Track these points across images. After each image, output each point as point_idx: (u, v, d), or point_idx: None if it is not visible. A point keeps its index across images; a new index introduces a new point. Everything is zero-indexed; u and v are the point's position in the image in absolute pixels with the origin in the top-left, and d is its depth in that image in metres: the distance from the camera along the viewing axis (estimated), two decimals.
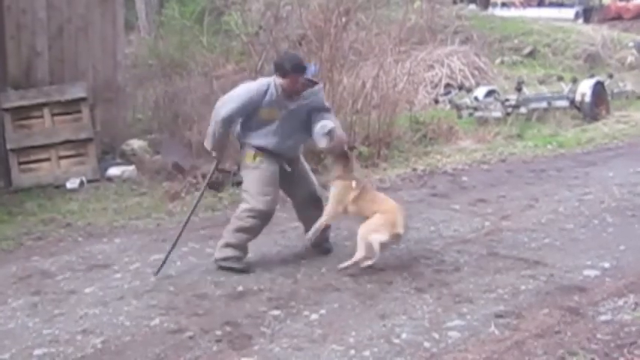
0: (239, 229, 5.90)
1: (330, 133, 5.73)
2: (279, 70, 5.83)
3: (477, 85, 14.40)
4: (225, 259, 5.88)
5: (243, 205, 5.95)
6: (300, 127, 5.95)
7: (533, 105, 12.64)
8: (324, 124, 5.78)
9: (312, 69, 10.04)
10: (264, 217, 5.93)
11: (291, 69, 5.79)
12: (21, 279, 5.87)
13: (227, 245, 5.90)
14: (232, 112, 5.80)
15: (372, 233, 5.68)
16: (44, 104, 9.11)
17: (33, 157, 8.98)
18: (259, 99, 5.79)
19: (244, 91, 5.89)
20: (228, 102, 5.84)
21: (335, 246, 6.38)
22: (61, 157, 9.07)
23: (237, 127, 6.02)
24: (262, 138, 5.88)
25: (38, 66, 9.42)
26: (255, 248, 6.30)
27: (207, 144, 5.99)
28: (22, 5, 9.32)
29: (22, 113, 9.04)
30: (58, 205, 8.11)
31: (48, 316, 5.11)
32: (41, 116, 9.11)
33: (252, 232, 5.95)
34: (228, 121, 5.83)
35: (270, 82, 5.84)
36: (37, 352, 4.58)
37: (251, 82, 6.12)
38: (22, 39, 9.36)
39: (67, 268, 6.10)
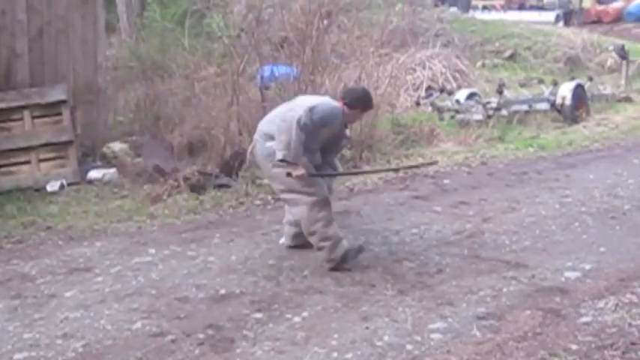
0: (323, 233, 5.87)
1: None
2: (362, 104, 6.08)
3: (459, 87, 14.43)
4: (343, 255, 5.91)
5: (302, 211, 5.89)
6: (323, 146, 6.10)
7: (515, 108, 12.70)
8: None
9: (293, 72, 10.06)
10: (327, 203, 5.92)
11: (370, 106, 6.25)
12: (1, 283, 5.82)
13: (333, 247, 5.89)
14: (319, 123, 5.77)
15: None
16: (24, 107, 9.03)
17: (13, 160, 8.90)
18: (337, 121, 5.93)
19: (335, 110, 5.91)
20: (322, 113, 5.78)
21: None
22: (41, 160, 9.00)
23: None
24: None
25: (18, 68, 9.34)
26: (238, 251, 6.31)
27: (289, 155, 5.68)
28: (1, 6, 9.23)
29: (1, 116, 8.95)
30: (38, 208, 8.05)
31: (28, 320, 5.07)
32: (21, 119, 9.04)
33: (330, 219, 5.91)
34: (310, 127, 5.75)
35: (341, 109, 5.95)
36: (18, 356, 4.55)
37: (332, 102, 6.06)
38: (1, 41, 9.27)
39: (48, 271, 6.05)
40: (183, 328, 4.87)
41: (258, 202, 8.06)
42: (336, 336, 4.70)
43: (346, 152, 9.66)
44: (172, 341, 4.68)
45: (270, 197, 8.20)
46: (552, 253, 6.23)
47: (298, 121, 5.61)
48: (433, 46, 17.07)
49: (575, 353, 4.38)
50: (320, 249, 5.92)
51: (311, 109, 5.71)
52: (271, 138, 5.85)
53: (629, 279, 5.61)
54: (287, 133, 5.64)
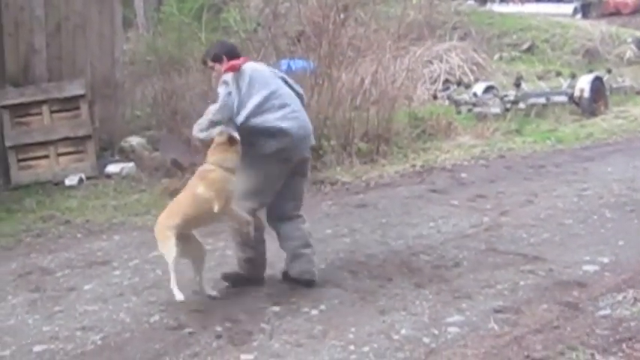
0: None
1: None
2: None
3: (476, 80, 14.37)
4: None
5: None
6: None
7: (532, 100, 12.64)
8: None
9: (310, 66, 10.05)
10: None
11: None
12: (20, 276, 5.88)
13: None
14: None
15: None
16: (43, 101, 9.11)
17: (32, 154, 8.98)
18: None
19: None
20: None
21: (333, 239, 6.40)
22: (59, 154, 9.07)
23: None
24: None
25: (36, 63, 9.41)
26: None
27: None
28: (19, 2, 9.31)
29: (20, 110, 9.04)
30: (57, 202, 8.11)
31: (48, 313, 5.12)
32: (40, 113, 9.12)
33: None
34: None
35: None
36: (37, 348, 4.59)
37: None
38: (20, 36, 9.34)
39: (67, 265, 6.10)
40: (200, 321, 4.89)
41: None
42: (353, 329, 4.70)
43: (363, 146, 9.67)
44: (190, 334, 4.70)
45: None
46: (570, 247, 6.20)
47: None
48: (450, 39, 17.01)
49: (593, 347, 4.36)
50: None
51: None
52: None
53: None
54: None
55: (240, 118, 5.25)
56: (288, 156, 5.33)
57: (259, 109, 5.27)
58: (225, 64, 5.43)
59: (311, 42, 10.40)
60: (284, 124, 5.29)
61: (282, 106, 5.36)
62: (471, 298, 5.17)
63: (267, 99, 5.31)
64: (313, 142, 5.74)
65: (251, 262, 5.46)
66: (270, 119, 5.27)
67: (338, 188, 8.51)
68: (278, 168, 5.32)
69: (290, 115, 5.36)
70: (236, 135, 5.16)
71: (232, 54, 5.56)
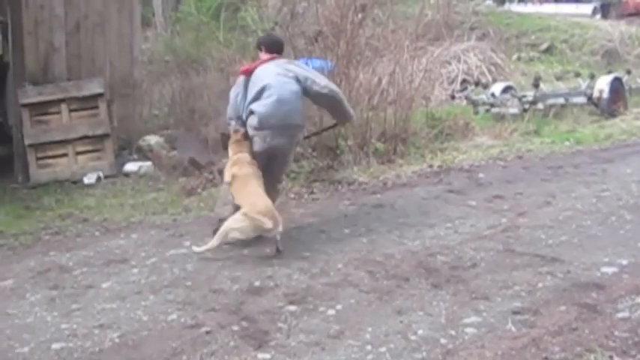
0: None
1: None
2: None
3: (494, 81, 14.33)
4: None
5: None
6: None
7: (551, 101, 12.58)
8: None
9: (327, 65, 10.05)
10: None
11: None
12: (39, 273, 5.92)
13: None
14: None
15: None
16: (62, 100, 9.18)
17: (50, 153, 9.05)
18: None
19: None
20: None
21: (351, 239, 6.40)
22: (78, 153, 9.14)
23: None
24: None
25: (56, 62, 9.48)
26: (272, 244, 6.30)
27: None
28: (39, 1, 9.39)
29: (39, 109, 9.11)
30: (75, 200, 8.16)
31: (66, 311, 5.14)
32: (59, 112, 9.19)
33: None
34: None
35: None
36: (55, 346, 4.61)
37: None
38: (39, 35, 9.41)
39: (85, 262, 6.13)
40: (218, 319, 4.91)
41: (292, 195, 8.08)
42: (370, 329, 4.70)
43: (380, 146, 9.66)
44: (207, 333, 4.71)
45: (304, 190, 8.22)
46: (588, 248, 6.17)
47: None
48: (468, 39, 16.97)
49: (612, 349, 4.33)
50: None
51: None
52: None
53: None
54: None
55: (244, 114, 6.37)
56: (264, 137, 6.28)
57: (253, 101, 6.28)
58: (262, 56, 6.54)
59: (329, 42, 10.39)
60: (259, 109, 6.22)
61: (269, 96, 6.24)
62: (488, 299, 5.15)
63: (259, 92, 6.24)
64: (298, 134, 6.63)
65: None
66: (255, 105, 6.26)
67: (355, 188, 8.50)
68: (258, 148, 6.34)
69: (270, 102, 6.23)
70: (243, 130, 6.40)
71: (270, 47, 6.61)
